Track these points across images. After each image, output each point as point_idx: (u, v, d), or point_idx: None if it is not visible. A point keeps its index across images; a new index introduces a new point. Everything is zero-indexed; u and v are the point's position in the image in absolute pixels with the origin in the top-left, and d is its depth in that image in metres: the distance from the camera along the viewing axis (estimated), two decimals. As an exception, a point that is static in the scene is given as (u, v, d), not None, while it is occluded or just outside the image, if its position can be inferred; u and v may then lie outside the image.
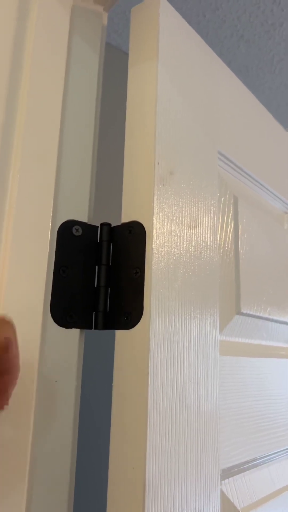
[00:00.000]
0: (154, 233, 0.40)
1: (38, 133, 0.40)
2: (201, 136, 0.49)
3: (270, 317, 0.60)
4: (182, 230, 0.44)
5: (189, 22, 1.10)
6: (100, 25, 0.48)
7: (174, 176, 0.43)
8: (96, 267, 0.42)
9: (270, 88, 1.36)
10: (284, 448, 0.58)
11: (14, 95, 0.40)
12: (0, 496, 0.33)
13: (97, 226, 0.43)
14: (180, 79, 0.47)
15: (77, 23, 0.46)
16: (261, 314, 0.57)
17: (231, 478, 0.47)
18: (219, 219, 0.52)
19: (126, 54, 1.17)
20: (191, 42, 0.51)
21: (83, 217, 0.42)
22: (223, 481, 0.45)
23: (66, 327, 0.39)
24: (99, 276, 0.42)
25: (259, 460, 0.53)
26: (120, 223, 0.43)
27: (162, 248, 0.40)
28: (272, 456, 0.55)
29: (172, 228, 0.42)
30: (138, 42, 0.46)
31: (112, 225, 0.43)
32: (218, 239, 0.50)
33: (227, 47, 1.19)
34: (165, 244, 0.41)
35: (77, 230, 0.41)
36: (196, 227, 0.46)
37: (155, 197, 0.41)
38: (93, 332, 0.42)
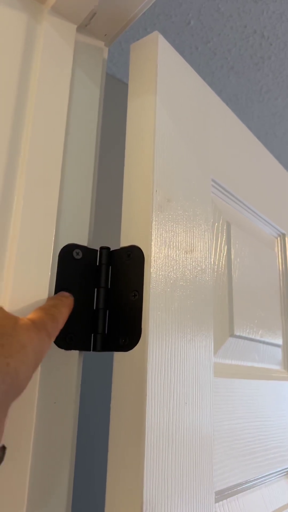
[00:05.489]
0: (152, 257, 0.41)
1: (42, 160, 0.41)
2: (196, 165, 0.52)
3: (262, 339, 0.61)
4: (178, 255, 0.45)
5: (182, 54, 1.15)
6: (101, 59, 0.51)
7: (171, 203, 0.45)
8: (95, 289, 0.44)
9: (259, 117, 1.41)
10: (276, 470, 0.58)
11: (19, 124, 0.42)
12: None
13: (97, 250, 0.45)
14: (176, 111, 0.49)
15: (80, 58, 0.48)
16: (253, 337, 0.59)
17: (225, 501, 0.47)
18: (213, 244, 0.54)
19: (120, 82, 1.21)
20: (186, 76, 0.54)
21: (83, 241, 0.44)
22: (217, 504, 0.46)
23: (66, 349, 0.40)
24: (98, 298, 0.43)
25: (252, 482, 0.53)
26: (119, 247, 0.44)
27: (159, 272, 0.42)
28: (265, 478, 0.56)
29: (169, 253, 0.44)
30: (137, 76, 0.48)
31: (111, 249, 0.45)
32: (212, 263, 0.52)
33: (218, 77, 1.24)
34: (162, 268, 0.43)
35: (77, 253, 0.43)
36: (192, 252, 0.47)
37: (153, 223, 0.42)
38: (92, 353, 0.43)
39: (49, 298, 0.39)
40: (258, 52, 1.16)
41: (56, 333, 0.36)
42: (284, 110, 1.39)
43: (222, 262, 0.55)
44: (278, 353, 0.68)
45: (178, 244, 0.46)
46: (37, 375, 0.37)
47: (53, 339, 0.35)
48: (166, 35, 1.09)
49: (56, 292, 0.40)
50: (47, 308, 0.36)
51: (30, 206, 0.40)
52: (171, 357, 0.41)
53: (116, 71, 1.20)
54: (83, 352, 0.42)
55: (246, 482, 0.52)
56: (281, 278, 0.72)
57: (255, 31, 1.09)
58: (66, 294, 0.40)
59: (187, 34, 1.10)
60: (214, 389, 0.47)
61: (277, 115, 1.41)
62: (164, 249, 0.43)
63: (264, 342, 0.62)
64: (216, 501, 0.45)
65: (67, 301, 0.39)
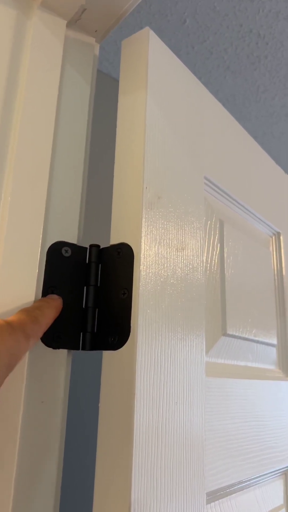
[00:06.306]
0: (142, 255, 0.41)
1: (30, 156, 0.41)
2: (188, 162, 0.51)
3: (256, 338, 0.61)
4: (169, 252, 0.45)
5: (178, 53, 1.15)
6: (92, 55, 0.50)
7: (162, 200, 0.45)
8: (85, 287, 0.43)
9: (256, 117, 1.40)
10: (271, 471, 0.58)
11: (8, 120, 0.41)
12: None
13: (86, 248, 0.44)
14: (167, 108, 0.49)
15: (70, 54, 0.48)
16: (246, 336, 0.58)
17: (217, 502, 0.47)
18: (205, 242, 0.53)
19: (116, 81, 1.20)
20: (178, 73, 0.53)
21: (72, 239, 0.43)
22: (208, 505, 0.45)
23: (54, 348, 0.39)
24: (87, 296, 0.43)
25: (246, 483, 0.52)
26: (108, 245, 0.44)
27: (149, 270, 0.41)
28: (259, 479, 0.55)
29: (160, 250, 0.43)
30: (128, 72, 0.48)
31: (101, 247, 0.44)
32: (205, 261, 0.52)
33: (214, 77, 1.24)
34: (153, 265, 0.42)
35: (66, 251, 0.42)
36: (183, 250, 0.47)
37: (143, 220, 0.42)
38: (80, 352, 0.42)
39: (37, 300, 0.38)
40: (254, 51, 1.16)
41: (37, 335, 0.35)
42: (282, 110, 1.38)
43: (214, 260, 0.55)
44: (273, 352, 0.67)
45: (169, 242, 0.45)
46: (24, 374, 0.36)
47: (33, 341, 0.34)
48: (162, 34, 1.09)
49: (44, 290, 0.39)
50: (30, 310, 0.36)
51: (17, 202, 0.39)
52: (161, 356, 0.40)
53: (112, 71, 1.19)
54: (72, 351, 0.41)
55: (240, 483, 0.51)
56: (276, 277, 0.71)
57: (251, 30, 1.09)
58: (55, 296, 0.40)
59: (183, 33, 1.09)
60: (206, 389, 0.47)
61: (275, 115, 1.40)
62: (155, 247, 0.43)
63: (258, 342, 0.62)
64: (208, 502, 0.45)
65: (53, 303, 0.39)
